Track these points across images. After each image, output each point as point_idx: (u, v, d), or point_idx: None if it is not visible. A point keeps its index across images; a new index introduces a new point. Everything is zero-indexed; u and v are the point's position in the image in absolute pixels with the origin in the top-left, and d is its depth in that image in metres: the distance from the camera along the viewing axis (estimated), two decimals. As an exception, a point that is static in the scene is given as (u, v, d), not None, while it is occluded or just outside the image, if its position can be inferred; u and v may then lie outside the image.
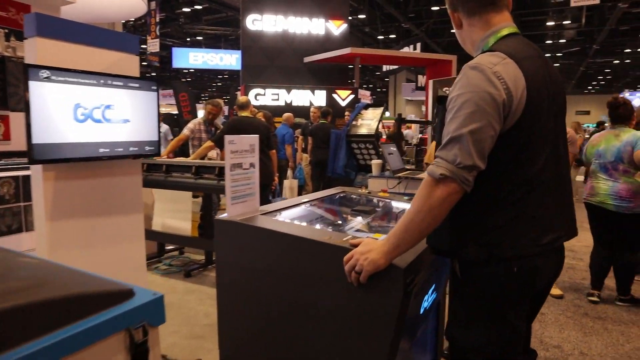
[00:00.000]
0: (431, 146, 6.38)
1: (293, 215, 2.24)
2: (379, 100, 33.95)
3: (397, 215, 2.36)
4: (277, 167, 5.59)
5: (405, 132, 12.88)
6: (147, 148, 2.78)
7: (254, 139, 2.04)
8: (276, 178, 5.45)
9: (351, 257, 1.56)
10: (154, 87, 2.78)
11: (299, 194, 9.12)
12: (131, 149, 2.67)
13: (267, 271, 1.80)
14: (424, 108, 26.12)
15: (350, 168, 5.00)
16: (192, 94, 13.59)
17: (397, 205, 2.65)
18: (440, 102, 1.49)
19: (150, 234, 4.86)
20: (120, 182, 2.77)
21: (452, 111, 1.41)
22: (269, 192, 5.32)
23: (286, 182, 8.57)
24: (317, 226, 2.20)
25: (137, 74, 2.75)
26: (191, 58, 18.72)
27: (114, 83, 2.56)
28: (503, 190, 1.45)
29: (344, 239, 1.70)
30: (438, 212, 1.41)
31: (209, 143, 4.94)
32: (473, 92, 1.37)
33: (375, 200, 2.70)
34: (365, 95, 20.57)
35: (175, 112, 13.74)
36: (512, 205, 1.44)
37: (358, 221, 2.41)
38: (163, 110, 24.03)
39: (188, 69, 26.75)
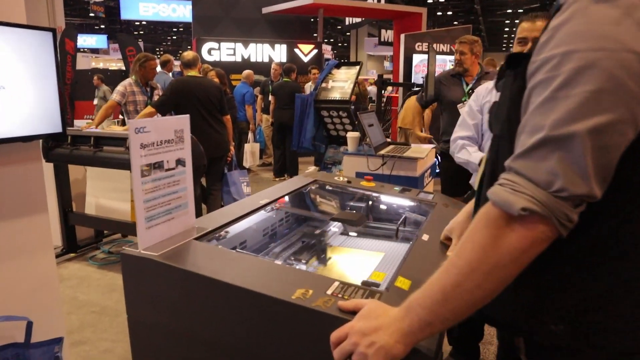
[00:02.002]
0: (406, 106, 5.67)
1: (247, 234, 1.55)
2: (341, 56, 32.91)
3: (397, 227, 1.71)
4: (232, 133, 4.82)
5: (369, 88, 12.15)
6: (43, 126, 1.99)
7: (181, 121, 1.32)
8: (232, 148, 4.68)
9: (344, 336, 0.90)
10: (49, 38, 1.98)
11: (260, 157, 8.39)
12: (14, 128, 1.89)
13: (205, 344, 1.12)
14: (386, 63, 25.18)
15: (319, 140, 4.26)
16: (140, 48, 12.34)
17: (391, 201, 1.99)
18: (512, 64, 0.88)
19: (84, 219, 4.09)
20: (8, 173, 1.99)
21: (552, 84, 0.72)
22: (224, 164, 4.58)
23: (247, 147, 7.81)
24: (283, 260, 1.54)
25: (22, 19, 1.93)
26: (141, 9, 17.16)
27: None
28: (623, 236, 0.80)
29: (329, 291, 1.04)
30: (510, 271, 0.76)
31: (148, 109, 4.11)
32: (603, 51, 0.69)
33: (359, 194, 2.04)
34: (327, 50, 19.57)
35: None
36: (635, 264, 0.80)
37: (341, 236, 1.77)
38: (113, 66, 22.25)
39: (140, 22, 24.82)
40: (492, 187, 0.78)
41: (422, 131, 5.37)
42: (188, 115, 1.35)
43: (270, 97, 7.48)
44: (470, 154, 2.25)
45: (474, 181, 2.25)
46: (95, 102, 9.97)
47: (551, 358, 0.89)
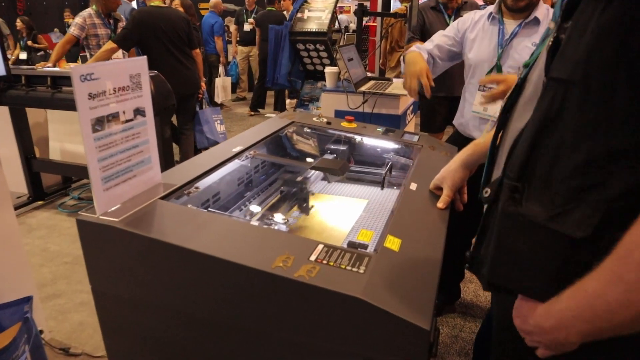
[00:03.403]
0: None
1: (220, 188, 1.43)
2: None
3: (385, 174, 1.59)
4: (203, 68, 4.53)
5: (339, 17, 11.65)
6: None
7: (137, 64, 1.14)
8: (203, 84, 4.43)
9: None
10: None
11: (233, 91, 8.09)
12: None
13: (179, 318, 1.03)
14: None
15: (295, 76, 4.01)
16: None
17: (374, 144, 1.87)
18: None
19: (48, 165, 3.88)
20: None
21: None
22: (195, 102, 4.34)
23: (218, 81, 7.48)
24: (260, 217, 1.43)
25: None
26: None
27: None
28: None
29: (312, 257, 0.94)
30: None
31: (109, 45, 3.78)
32: None
33: (340, 136, 1.90)
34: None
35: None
36: None
37: (322, 182, 1.66)
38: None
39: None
40: None
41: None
42: (145, 57, 1.17)
43: (245, 27, 7.07)
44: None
45: (459, 122, 2.13)
46: None
47: None
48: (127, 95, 1.12)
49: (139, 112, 1.17)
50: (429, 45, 2.11)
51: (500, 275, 0.85)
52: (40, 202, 3.84)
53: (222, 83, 7.53)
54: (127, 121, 1.13)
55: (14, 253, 2.05)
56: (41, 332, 2.14)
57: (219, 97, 7.38)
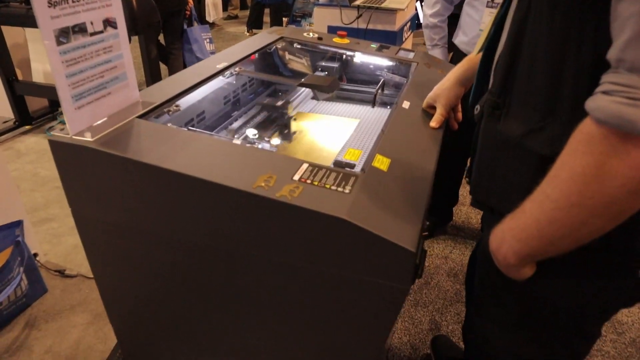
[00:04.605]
0: None
1: (202, 107, 1.36)
2: None
3: (375, 94, 1.52)
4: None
5: None
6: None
7: (102, -32, 1.03)
8: (191, 1, 4.19)
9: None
10: None
11: (224, 9, 7.72)
12: None
13: (161, 241, 1.00)
14: None
15: (287, -11, 3.79)
16: None
17: (367, 61, 1.78)
18: None
19: (32, 88, 3.73)
20: None
21: None
22: (182, 20, 4.13)
23: (208, -3, 7.10)
24: (243, 137, 1.37)
25: None
26: None
27: None
28: None
29: (295, 176, 0.90)
30: (630, 204, 0.59)
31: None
32: None
33: (331, 52, 1.80)
34: None
35: None
36: None
37: (311, 101, 1.59)
38: None
39: None
40: (594, 99, 0.58)
41: None
42: (111, -39, 1.06)
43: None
44: (431, 38, 2.11)
45: (460, 41, 2.02)
46: None
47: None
48: (93, 4, 1.02)
49: (109, 23, 1.07)
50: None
51: (481, 191, 0.89)
52: (27, 127, 3.75)
53: (212, 0, 7.15)
54: (96, 33, 1.04)
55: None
56: (36, 255, 2.16)
57: (210, 16, 7.04)
